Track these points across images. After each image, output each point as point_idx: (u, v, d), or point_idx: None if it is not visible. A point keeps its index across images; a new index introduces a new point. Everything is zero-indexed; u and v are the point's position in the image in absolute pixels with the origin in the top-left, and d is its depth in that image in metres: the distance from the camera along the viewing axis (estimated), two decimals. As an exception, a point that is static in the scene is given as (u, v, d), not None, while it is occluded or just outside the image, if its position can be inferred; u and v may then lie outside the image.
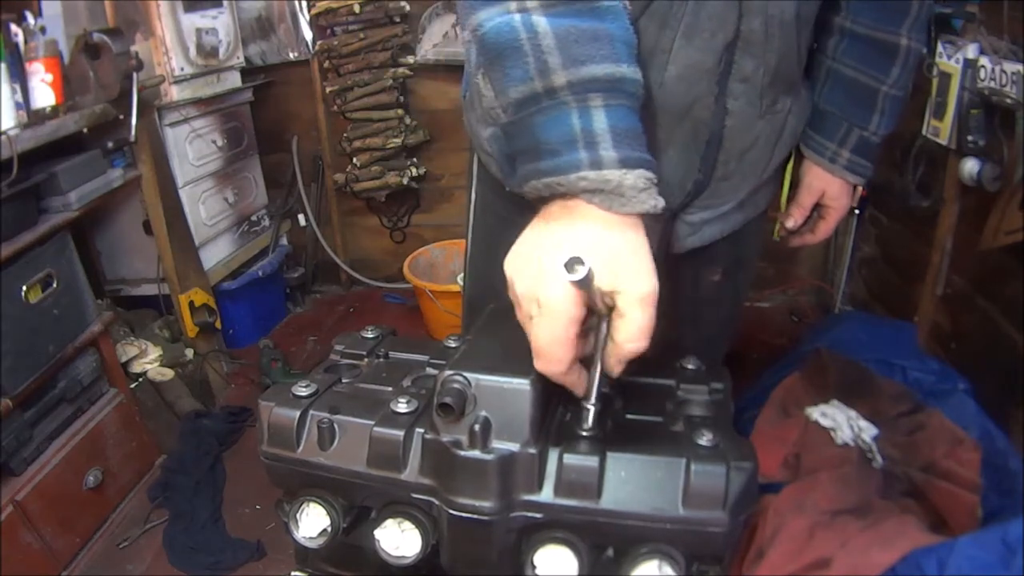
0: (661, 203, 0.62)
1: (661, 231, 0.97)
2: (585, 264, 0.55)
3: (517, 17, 0.60)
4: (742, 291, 1.22)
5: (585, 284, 0.57)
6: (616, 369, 0.65)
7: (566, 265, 0.56)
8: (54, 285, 1.77)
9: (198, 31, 2.44)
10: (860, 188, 1.08)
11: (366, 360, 0.90)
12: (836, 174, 1.03)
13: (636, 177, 0.60)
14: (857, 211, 2.49)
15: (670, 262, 1.04)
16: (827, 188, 1.05)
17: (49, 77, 1.82)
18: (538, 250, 0.63)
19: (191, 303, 2.42)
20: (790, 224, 1.11)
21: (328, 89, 2.92)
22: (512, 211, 0.99)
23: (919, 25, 0.94)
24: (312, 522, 0.75)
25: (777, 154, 0.96)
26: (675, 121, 0.85)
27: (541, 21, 0.59)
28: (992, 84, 1.61)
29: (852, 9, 0.96)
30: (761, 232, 1.13)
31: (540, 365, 0.63)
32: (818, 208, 1.09)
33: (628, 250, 0.61)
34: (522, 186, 0.65)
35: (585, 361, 0.66)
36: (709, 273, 1.09)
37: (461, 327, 1.35)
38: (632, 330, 0.61)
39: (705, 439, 0.68)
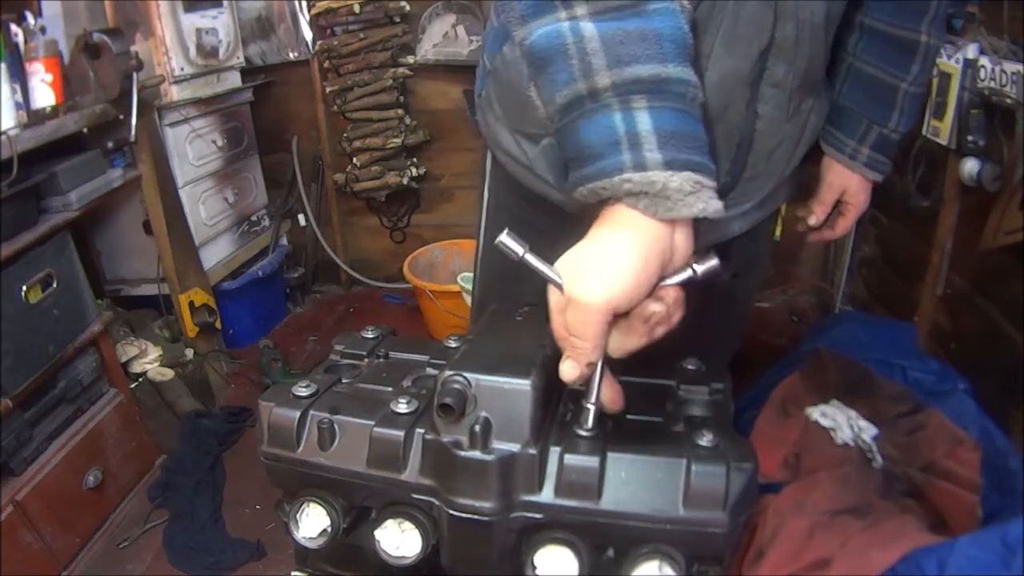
0: (714, 205, 0.60)
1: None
2: (506, 237, 0.59)
3: (566, 24, 0.59)
4: (753, 290, 1.23)
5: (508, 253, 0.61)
6: (561, 369, 0.64)
7: (502, 239, 0.58)
8: (54, 285, 1.77)
9: (198, 31, 2.44)
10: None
11: (366, 360, 0.90)
12: (856, 171, 1.04)
13: (683, 180, 0.58)
14: (857, 211, 2.49)
15: None
16: (847, 185, 1.07)
17: (49, 77, 1.81)
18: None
19: (191, 303, 2.42)
20: (813, 221, 1.12)
21: (328, 89, 2.92)
22: (527, 210, 1.00)
23: (938, 22, 0.94)
24: (312, 522, 0.75)
25: (799, 152, 0.97)
26: (709, 126, 0.85)
27: (589, 26, 0.58)
28: (992, 84, 1.61)
29: (872, 6, 0.96)
30: (769, 230, 1.14)
31: None
32: (838, 204, 1.11)
33: (616, 257, 0.59)
34: (572, 194, 0.63)
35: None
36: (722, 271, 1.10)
37: (469, 326, 1.35)
38: (554, 324, 0.63)
39: (705, 439, 0.68)
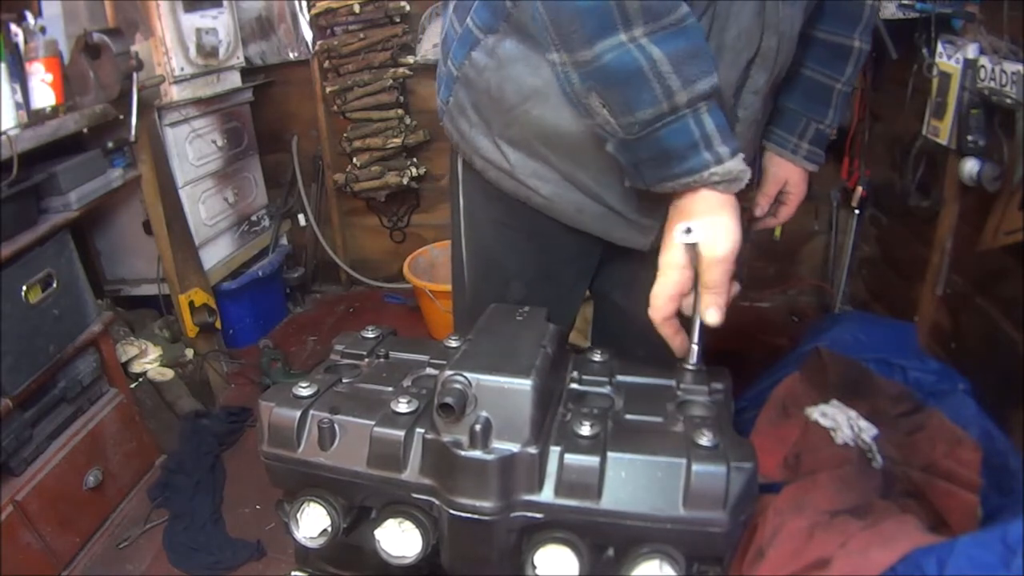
0: (749, 174, 0.77)
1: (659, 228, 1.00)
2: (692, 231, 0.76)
3: (633, 47, 0.71)
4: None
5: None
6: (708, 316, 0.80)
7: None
8: (54, 285, 1.77)
9: (198, 31, 2.44)
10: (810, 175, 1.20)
11: (366, 360, 0.90)
12: (797, 164, 1.16)
13: (741, 161, 0.75)
14: (857, 211, 2.49)
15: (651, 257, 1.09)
16: (789, 176, 1.18)
17: (49, 77, 1.81)
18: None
19: (191, 303, 2.42)
20: (758, 212, 1.22)
21: (328, 89, 2.92)
22: (505, 213, 1.05)
23: (868, 28, 1.06)
24: (312, 522, 0.75)
25: (753, 150, 1.08)
26: None
27: (654, 49, 0.71)
28: (992, 84, 1.61)
29: (814, 17, 1.04)
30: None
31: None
32: (780, 195, 1.22)
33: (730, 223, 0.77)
34: (653, 187, 0.79)
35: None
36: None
37: (455, 331, 1.36)
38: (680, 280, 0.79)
39: (705, 439, 0.68)
